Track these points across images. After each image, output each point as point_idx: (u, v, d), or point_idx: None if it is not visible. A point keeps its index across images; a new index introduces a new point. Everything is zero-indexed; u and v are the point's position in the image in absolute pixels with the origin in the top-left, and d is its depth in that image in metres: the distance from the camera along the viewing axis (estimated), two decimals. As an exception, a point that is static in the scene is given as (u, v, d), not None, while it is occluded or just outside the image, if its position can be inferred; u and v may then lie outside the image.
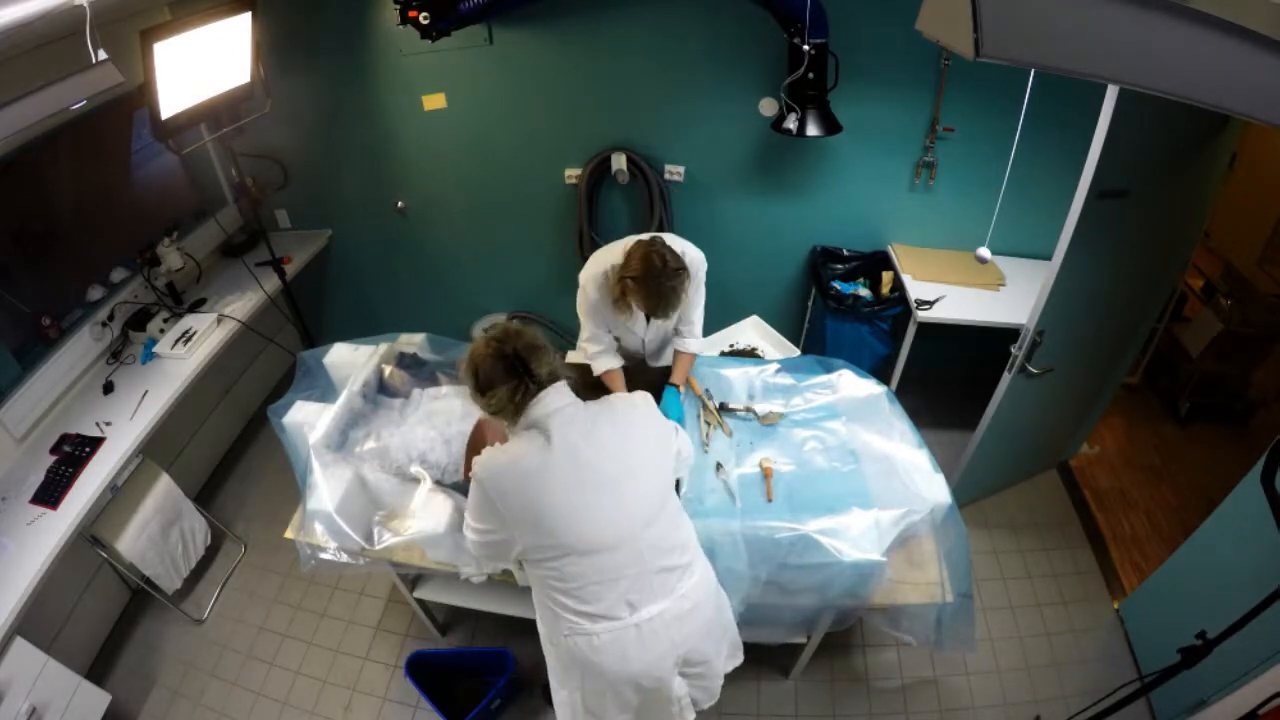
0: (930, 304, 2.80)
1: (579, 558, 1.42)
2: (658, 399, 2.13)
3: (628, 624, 1.45)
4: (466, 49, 2.93)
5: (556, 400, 1.45)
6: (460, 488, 1.96)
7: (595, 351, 2.18)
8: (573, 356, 2.55)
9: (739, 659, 1.76)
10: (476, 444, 1.90)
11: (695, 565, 1.56)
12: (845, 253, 3.22)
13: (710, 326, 2.69)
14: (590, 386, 2.31)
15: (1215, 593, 2.05)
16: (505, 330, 1.47)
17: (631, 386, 2.31)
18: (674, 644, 1.50)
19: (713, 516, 1.81)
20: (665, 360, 2.45)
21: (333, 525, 1.89)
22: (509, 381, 1.41)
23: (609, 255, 2.02)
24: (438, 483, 1.97)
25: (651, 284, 1.84)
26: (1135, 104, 1.75)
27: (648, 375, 2.35)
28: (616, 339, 2.26)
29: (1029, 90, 1.69)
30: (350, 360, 2.30)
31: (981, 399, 2.52)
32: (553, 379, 1.47)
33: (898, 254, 3.11)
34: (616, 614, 1.45)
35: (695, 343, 2.20)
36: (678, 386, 2.18)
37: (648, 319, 2.16)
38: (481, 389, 1.44)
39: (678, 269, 1.86)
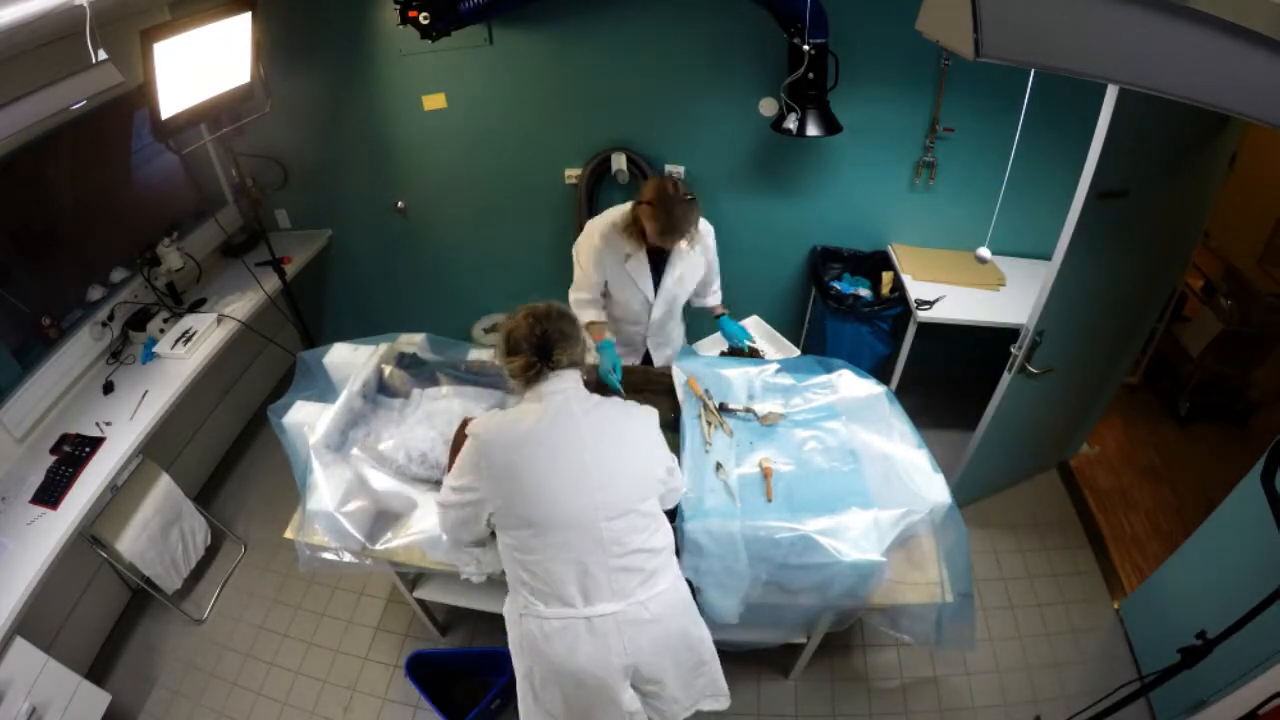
0: (930, 304, 2.80)
1: (541, 530, 1.47)
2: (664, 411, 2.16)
3: (579, 615, 1.48)
4: (466, 49, 2.93)
5: (563, 383, 1.56)
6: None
7: (583, 300, 2.30)
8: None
9: (719, 704, 1.74)
10: (457, 445, 1.92)
11: (661, 576, 1.56)
12: (845, 253, 3.22)
13: (709, 328, 2.69)
14: (586, 385, 2.31)
15: (1215, 593, 2.05)
16: (549, 310, 1.60)
17: (633, 388, 2.32)
18: (624, 649, 1.49)
19: (713, 516, 1.81)
20: (666, 349, 2.53)
21: (333, 525, 1.89)
22: (529, 357, 1.54)
23: (619, 209, 2.20)
24: (437, 483, 1.97)
25: (665, 206, 2.03)
26: (1135, 104, 1.75)
27: (648, 378, 2.35)
28: (612, 302, 2.36)
29: (1029, 90, 1.69)
30: (350, 360, 2.30)
31: (981, 399, 2.52)
32: (571, 367, 1.58)
33: (898, 254, 3.11)
34: (569, 599, 1.47)
35: (717, 298, 2.55)
36: (724, 313, 2.52)
37: (656, 277, 2.27)
38: (508, 352, 1.58)
39: (689, 197, 2.06)
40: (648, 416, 1.66)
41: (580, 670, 1.49)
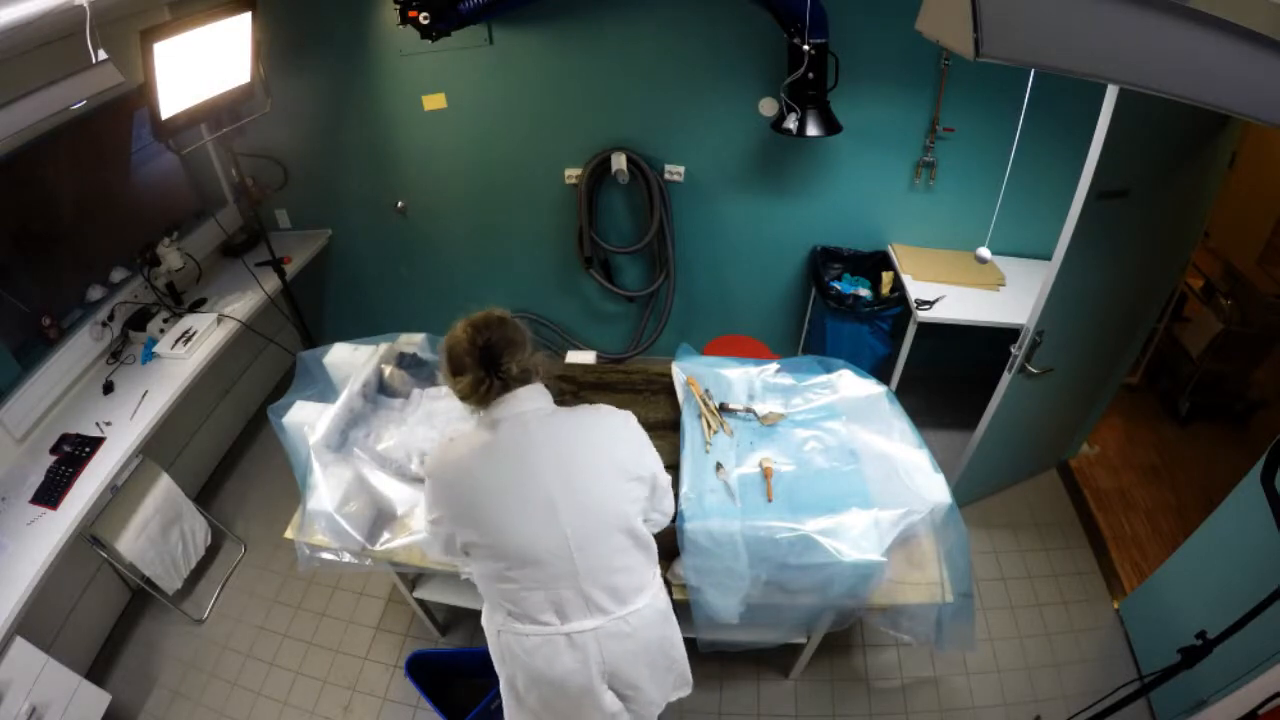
0: (930, 304, 2.80)
1: (511, 565, 1.42)
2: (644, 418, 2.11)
3: (558, 631, 1.45)
4: (466, 49, 2.93)
5: (522, 404, 1.43)
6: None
7: None
8: (573, 357, 2.55)
9: (684, 691, 1.74)
10: None
11: (641, 593, 1.51)
12: (845, 253, 3.22)
13: (709, 328, 2.70)
14: (586, 386, 2.31)
15: (1215, 593, 2.05)
16: (487, 319, 1.43)
17: (633, 388, 2.32)
18: (602, 658, 1.48)
19: (713, 516, 1.81)
20: None
21: (333, 525, 1.89)
22: (475, 373, 1.40)
23: None
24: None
25: None
26: (1135, 104, 1.75)
27: (648, 378, 2.35)
28: None
29: (1029, 90, 1.69)
30: (350, 360, 2.30)
31: (981, 399, 2.52)
32: (524, 378, 1.44)
33: (898, 254, 3.11)
34: (547, 620, 1.45)
35: None
36: None
37: None
38: (452, 372, 1.44)
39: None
40: (620, 424, 1.52)
41: (561, 679, 1.49)
